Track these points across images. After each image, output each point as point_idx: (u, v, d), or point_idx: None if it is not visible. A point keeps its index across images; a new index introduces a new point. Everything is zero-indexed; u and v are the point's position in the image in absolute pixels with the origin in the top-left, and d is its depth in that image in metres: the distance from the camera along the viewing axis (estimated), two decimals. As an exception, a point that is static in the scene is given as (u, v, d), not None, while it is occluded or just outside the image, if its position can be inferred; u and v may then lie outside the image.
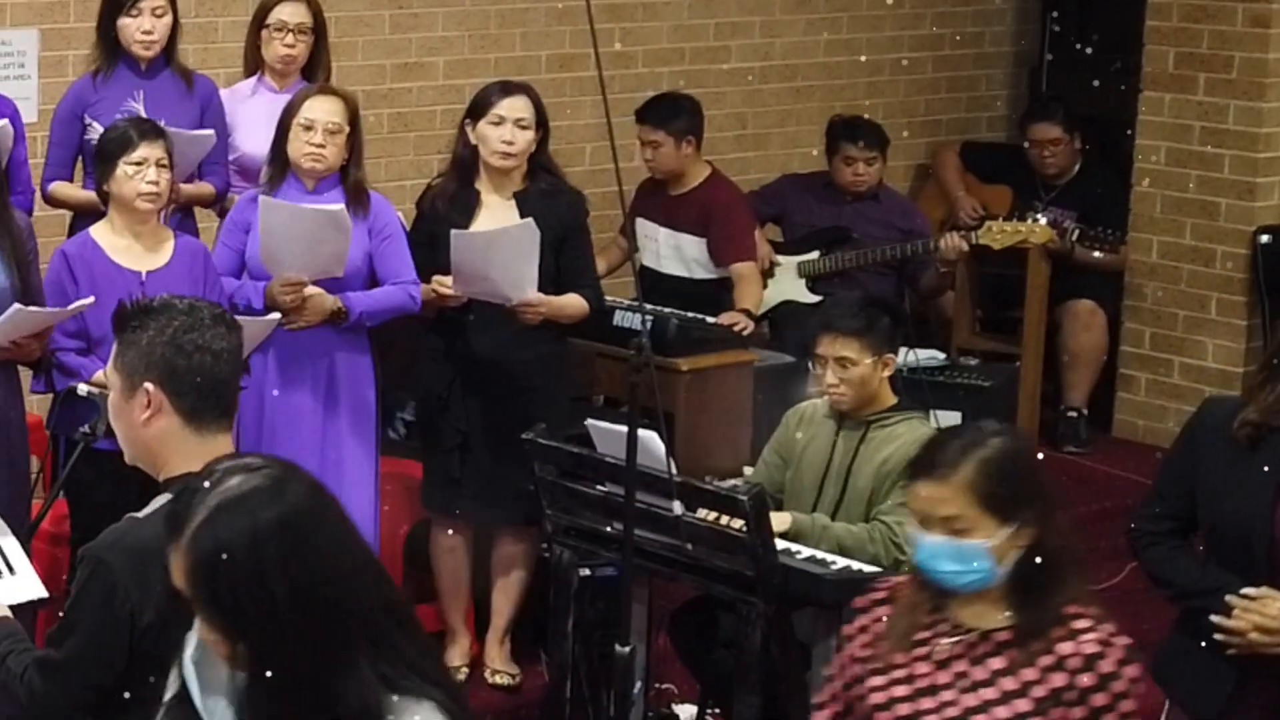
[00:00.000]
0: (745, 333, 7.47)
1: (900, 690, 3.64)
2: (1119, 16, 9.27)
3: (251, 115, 6.76)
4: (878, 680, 3.67)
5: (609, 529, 5.65)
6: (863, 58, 9.51)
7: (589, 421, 5.96)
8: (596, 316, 6.56)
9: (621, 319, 7.01)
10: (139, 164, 5.85)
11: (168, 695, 2.96)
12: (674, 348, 7.03)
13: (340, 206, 6.11)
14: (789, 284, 8.38)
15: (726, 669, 5.61)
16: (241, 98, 6.88)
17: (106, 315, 5.42)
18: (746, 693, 5.37)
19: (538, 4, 8.52)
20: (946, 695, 3.60)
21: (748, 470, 6.43)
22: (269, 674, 2.66)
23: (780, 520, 5.58)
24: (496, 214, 6.37)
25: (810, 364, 5.80)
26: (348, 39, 7.98)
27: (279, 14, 6.80)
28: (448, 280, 6.29)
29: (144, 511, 3.46)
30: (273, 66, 6.84)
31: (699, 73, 9.01)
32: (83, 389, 5.41)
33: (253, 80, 6.91)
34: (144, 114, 6.39)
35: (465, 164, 6.43)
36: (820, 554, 5.45)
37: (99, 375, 5.55)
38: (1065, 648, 3.57)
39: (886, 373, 5.70)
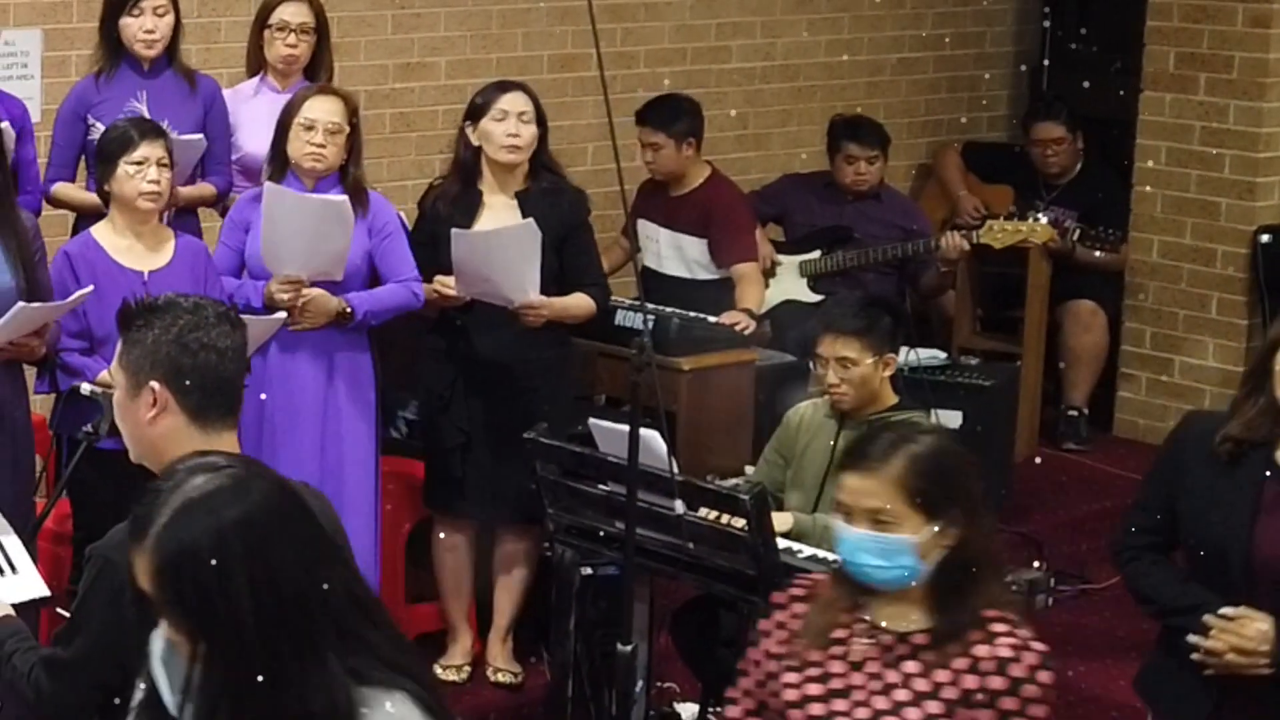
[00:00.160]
0: (747, 332, 7.47)
1: (814, 689, 3.59)
2: (1119, 16, 9.28)
3: (254, 115, 6.77)
4: (792, 678, 3.62)
5: (611, 528, 5.66)
6: (864, 57, 9.52)
7: (591, 421, 5.97)
8: (598, 316, 6.57)
9: (623, 318, 7.02)
10: (139, 164, 5.86)
11: (135, 699, 2.96)
12: (675, 347, 7.03)
13: (344, 198, 6.13)
14: (790, 283, 8.39)
15: (728, 668, 5.58)
16: (244, 98, 6.89)
17: (109, 315, 5.44)
18: (748, 691, 5.38)
19: (539, 4, 8.53)
20: (859, 696, 3.54)
21: (749, 469, 6.43)
22: (234, 671, 2.66)
23: (781, 520, 5.59)
24: (499, 214, 6.38)
25: (811, 364, 5.81)
26: (350, 39, 7.99)
27: (281, 14, 6.81)
28: (450, 280, 6.30)
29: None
30: (275, 66, 6.85)
31: (700, 73, 9.02)
32: (86, 388, 5.42)
33: (255, 80, 6.91)
34: (147, 114, 6.41)
35: (467, 166, 6.43)
36: (822, 553, 5.46)
37: (103, 374, 5.57)
38: (981, 650, 3.51)
39: (887, 372, 5.71)
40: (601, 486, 5.74)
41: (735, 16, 9.16)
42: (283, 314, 6.07)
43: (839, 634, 3.61)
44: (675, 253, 7.93)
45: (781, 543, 5.44)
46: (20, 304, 5.51)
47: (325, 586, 2.70)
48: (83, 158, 6.63)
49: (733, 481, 6.27)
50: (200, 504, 2.69)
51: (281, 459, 5.96)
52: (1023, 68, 10.01)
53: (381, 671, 2.73)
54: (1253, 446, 4.33)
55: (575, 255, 6.45)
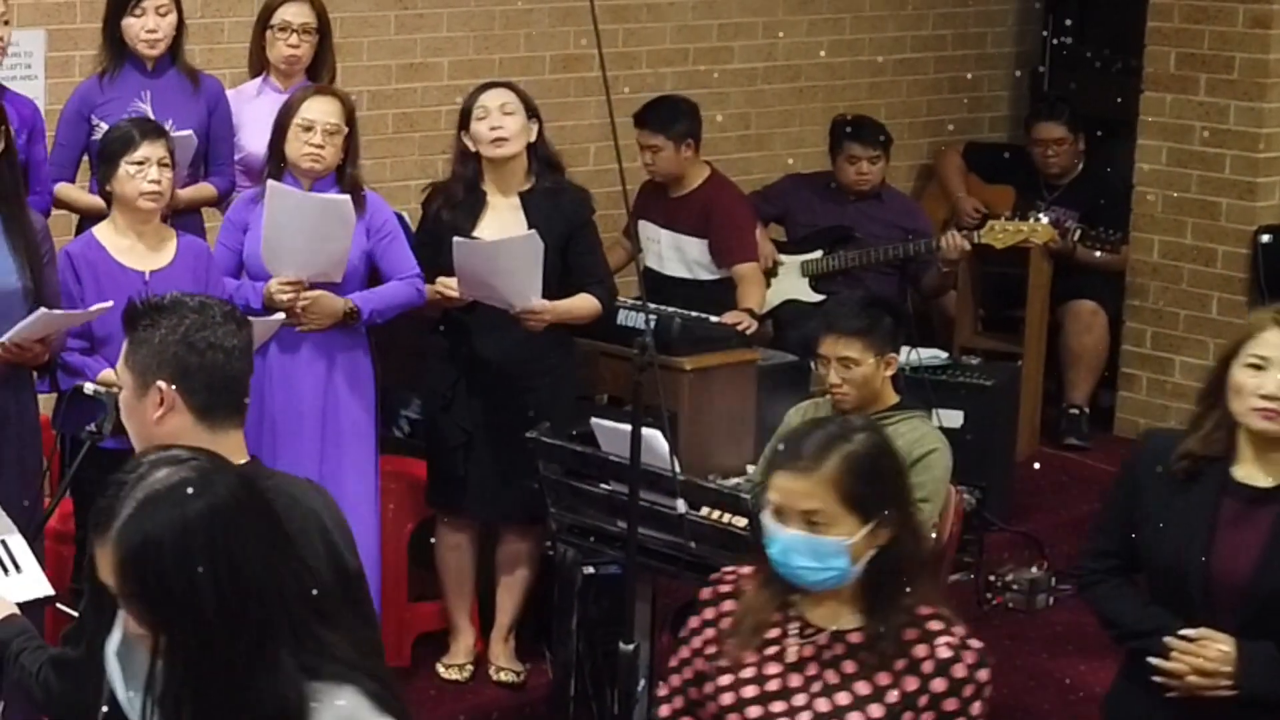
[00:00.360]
0: (748, 332, 7.49)
1: (749, 691, 3.52)
2: (1120, 17, 9.30)
3: (257, 115, 6.77)
4: (726, 680, 3.55)
5: (613, 527, 5.67)
6: (865, 58, 9.54)
7: (593, 420, 5.98)
8: (600, 316, 6.58)
9: (625, 318, 7.02)
10: (140, 163, 5.87)
11: (104, 709, 2.97)
12: (677, 347, 7.04)
13: (346, 197, 6.13)
14: (792, 283, 8.40)
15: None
16: (247, 98, 6.90)
17: (110, 315, 5.47)
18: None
19: (542, 5, 8.54)
20: (799, 699, 3.49)
21: (751, 469, 6.45)
22: (195, 663, 2.67)
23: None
24: (502, 214, 6.39)
25: (813, 363, 5.81)
26: (353, 39, 8.01)
27: (283, 14, 6.82)
28: (452, 282, 6.31)
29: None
30: (277, 67, 6.86)
31: (702, 73, 9.03)
32: (89, 388, 5.41)
33: (258, 80, 6.93)
34: (151, 114, 6.42)
35: (468, 174, 6.43)
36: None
37: (107, 374, 5.58)
38: (920, 651, 3.46)
39: (889, 372, 5.72)
40: (604, 486, 5.75)
41: (737, 17, 9.18)
42: (282, 314, 6.08)
43: (771, 634, 3.54)
44: (676, 254, 7.94)
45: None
46: (42, 310, 5.51)
47: (281, 582, 2.71)
48: (86, 158, 6.64)
49: (734, 481, 6.29)
50: (164, 497, 2.71)
51: (282, 459, 5.96)
52: (1021, 71, 10.02)
53: (335, 666, 2.74)
54: (1209, 463, 4.24)
55: (580, 254, 6.46)
